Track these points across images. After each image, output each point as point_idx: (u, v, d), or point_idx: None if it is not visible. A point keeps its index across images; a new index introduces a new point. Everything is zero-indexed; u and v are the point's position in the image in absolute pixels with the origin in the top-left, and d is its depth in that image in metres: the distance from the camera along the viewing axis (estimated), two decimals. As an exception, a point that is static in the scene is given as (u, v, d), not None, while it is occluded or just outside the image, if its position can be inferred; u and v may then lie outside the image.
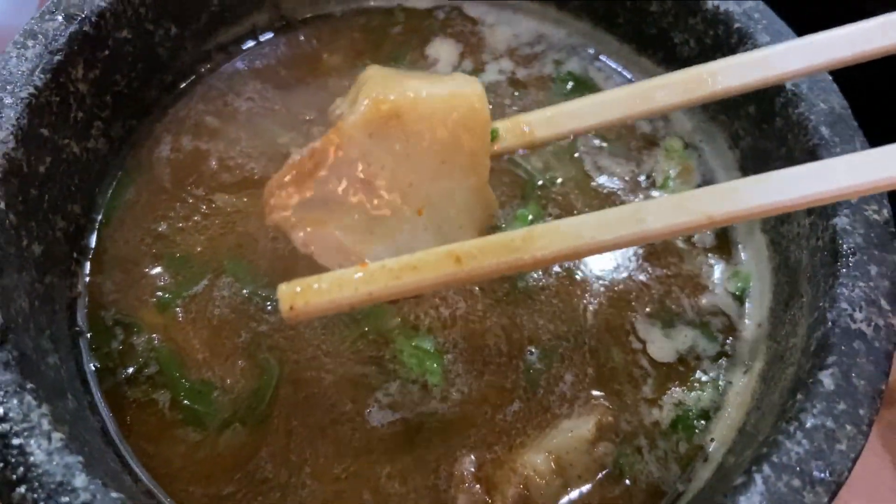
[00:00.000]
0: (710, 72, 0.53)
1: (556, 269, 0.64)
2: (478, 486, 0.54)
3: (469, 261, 0.46)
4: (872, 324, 0.50)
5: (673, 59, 0.73)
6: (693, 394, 0.60)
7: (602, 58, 0.78)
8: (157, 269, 0.64)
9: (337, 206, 0.50)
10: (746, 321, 0.63)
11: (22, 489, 0.43)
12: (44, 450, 0.44)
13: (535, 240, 0.47)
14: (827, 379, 0.48)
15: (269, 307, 0.61)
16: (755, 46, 0.64)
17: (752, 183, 0.46)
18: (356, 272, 0.47)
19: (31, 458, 0.44)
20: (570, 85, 0.77)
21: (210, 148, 0.71)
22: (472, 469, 0.54)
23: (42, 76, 0.59)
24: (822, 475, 0.45)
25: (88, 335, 0.60)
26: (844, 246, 0.54)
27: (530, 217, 0.66)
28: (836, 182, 0.45)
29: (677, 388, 0.60)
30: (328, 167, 0.49)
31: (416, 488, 0.54)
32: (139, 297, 0.62)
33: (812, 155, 0.58)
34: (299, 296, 0.46)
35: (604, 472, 0.56)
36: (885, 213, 0.55)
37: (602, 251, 0.48)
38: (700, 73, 0.53)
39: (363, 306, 0.48)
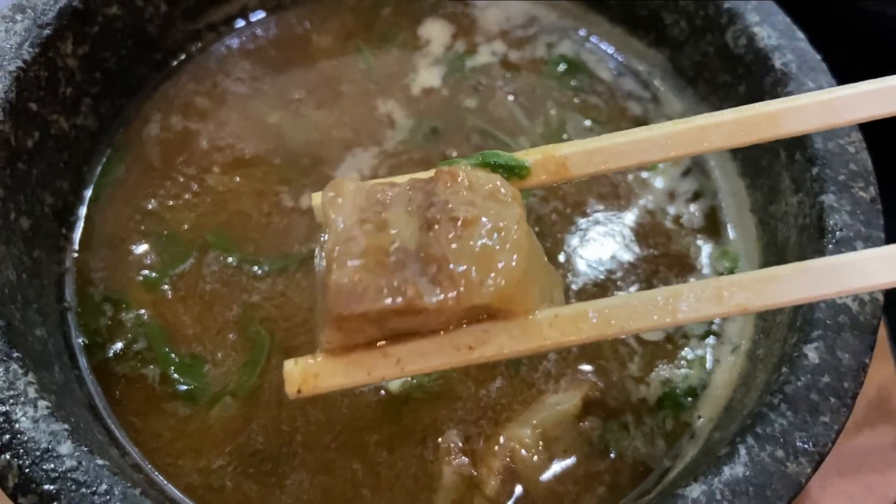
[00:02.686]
0: (768, 114, 0.47)
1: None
2: (464, 458, 0.54)
3: (481, 347, 0.42)
4: (857, 299, 0.51)
5: (664, 40, 0.73)
6: (680, 371, 0.60)
7: (593, 39, 0.78)
8: (146, 247, 0.64)
9: None
10: (734, 300, 0.64)
11: (7, 455, 0.43)
12: (29, 417, 0.44)
13: (561, 327, 0.43)
14: (812, 353, 0.49)
15: (259, 272, 0.62)
16: (745, 27, 0.64)
17: (792, 274, 0.43)
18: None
19: (17, 426, 0.44)
20: (561, 67, 0.77)
21: (200, 127, 0.71)
22: (459, 442, 0.55)
23: (31, 50, 0.59)
24: (806, 446, 0.45)
25: (77, 311, 0.60)
26: (831, 223, 0.54)
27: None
28: (875, 278, 0.44)
29: (664, 366, 0.60)
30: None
31: (404, 458, 0.55)
32: (127, 274, 0.62)
33: (800, 133, 0.58)
34: (308, 379, 0.43)
35: (590, 447, 0.56)
36: (872, 190, 0.55)
37: (629, 334, 0.46)
38: (758, 114, 0.47)
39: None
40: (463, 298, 0.40)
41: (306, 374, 0.43)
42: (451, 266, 0.40)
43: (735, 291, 0.43)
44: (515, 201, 0.43)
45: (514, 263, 0.40)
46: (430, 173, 0.45)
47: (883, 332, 0.75)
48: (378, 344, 0.42)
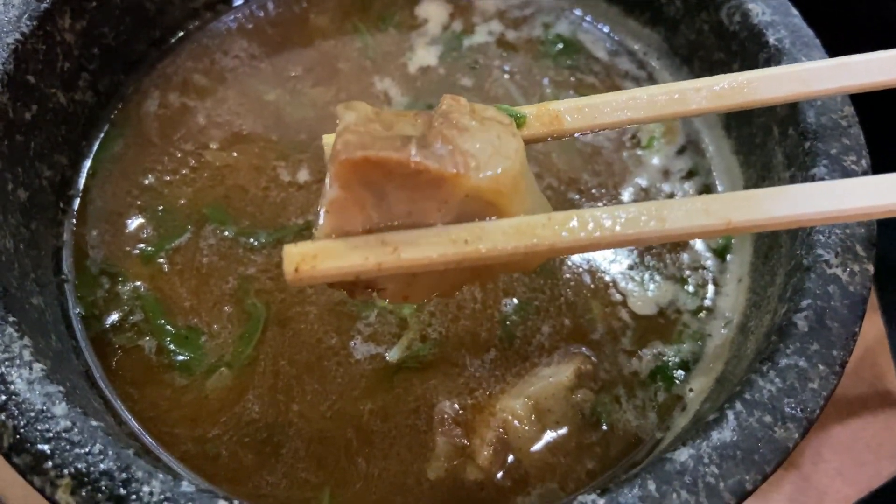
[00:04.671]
0: (748, 80, 0.50)
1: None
2: (457, 428, 0.54)
3: (476, 242, 0.43)
4: (848, 269, 0.51)
5: (659, 19, 0.73)
6: (673, 346, 0.61)
7: (589, 19, 0.78)
8: (143, 221, 0.64)
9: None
10: (727, 276, 0.64)
11: (2, 416, 0.43)
12: (24, 379, 0.45)
13: (554, 226, 0.43)
14: (801, 321, 0.49)
15: (255, 244, 0.62)
16: (740, 4, 0.65)
17: (774, 194, 0.45)
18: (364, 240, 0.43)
19: (12, 387, 0.44)
20: (558, 47, 0.77)
21: (198, 104, 0.71)
22: (452, 413, 0.55)
23: (29, 23, 0.59)
24: (794, 412, 0.46)
25: (74, 282, 0.61)
26: (822, 195, 0.54)
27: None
28: (854, 202, 0.44)
29: (657, 340, 0.61)
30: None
31: (398, 426, 0.55)
32: (124, 248, 0.63)
33: (793, 107, 0.59)
34: (306, 259, 0.42)
35: (581, 419, 0.56)
36: (864, 163, 0.56)
37: (620, 246, 0.47)
38: (738, 82, 0.50)
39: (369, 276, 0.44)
40: (462, 178, 0.41)
41: (304, 254, 0.42)
42: (453, 147, 0.42)
43: (720, 207, 0.44)
44: (513, 128, 0.45)
45: (510, 162, 0.42)
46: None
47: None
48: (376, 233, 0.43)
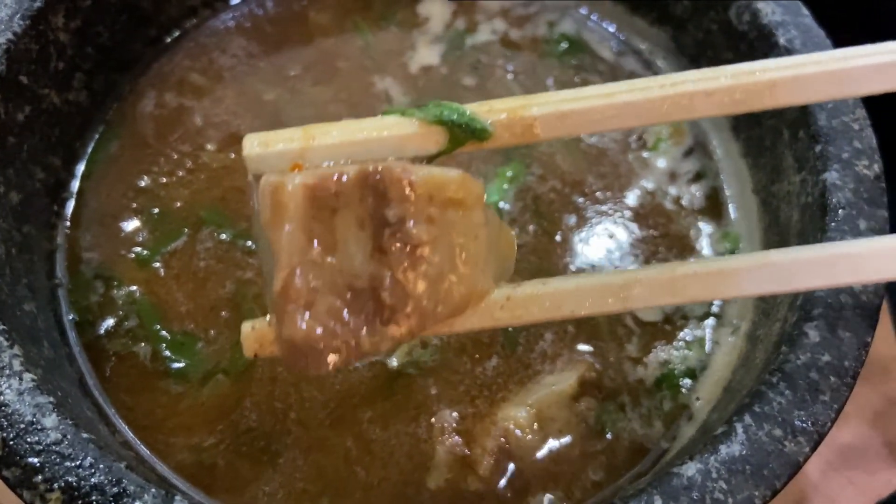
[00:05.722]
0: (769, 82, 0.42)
1: (532, 227, 0.64)
2: (458, 437, 0.53)
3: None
4: (860, 277, 0.49)
5: (666, 18, 0.72)
6: (679, 353, 0.59)
7: (595, 18, 0.77)
8: (138, 224, 0.63)
9: None
10: (735, 281, 0.63)
11: (-10, 428, 0.42)
12: (14, 389, 0.44)
13: (511, 309, 0.42)
14: (812, 331, 0.48)
15: (253, 247, 0.61)
16: (749, 3, 0.63)
17: (752, 268, 0.42)
18: None
19: (1, 398, 0.43)
20: (563, 46, 0.76)
21: (195, 104, 0.70)
22: (453, 421, 0.54)
23: (21, 22, 0.58)
24: (805, 425, 0.45)
25: (68, 287, 0.60)
26: (833, 200, 0.53)
27: (510, 174, 0.66)
28: (835, 278, 0.43)
29: (663, 348, 0.60)
30: None
31: (397, 434, 0.54)
32: (119, 252, 0.62)
33: (803, 110, 0.57)
34: (264, 346, 0.42)
35: (585, 427, 0.55)
36: (877, 168, 0.54)
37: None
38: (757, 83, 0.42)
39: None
40: (416, 327, 0.39)
41: (262, 339, 0.42)
42: (407, 303, 0.38)
43: (689, 283, 0.42)
44: (477, 205, 0.40)
45: (468, 284, 0.40)
46: (387, 162, 0.40)
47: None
48: None
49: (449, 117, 0.41)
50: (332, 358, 0.38)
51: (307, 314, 0.37)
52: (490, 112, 0.42)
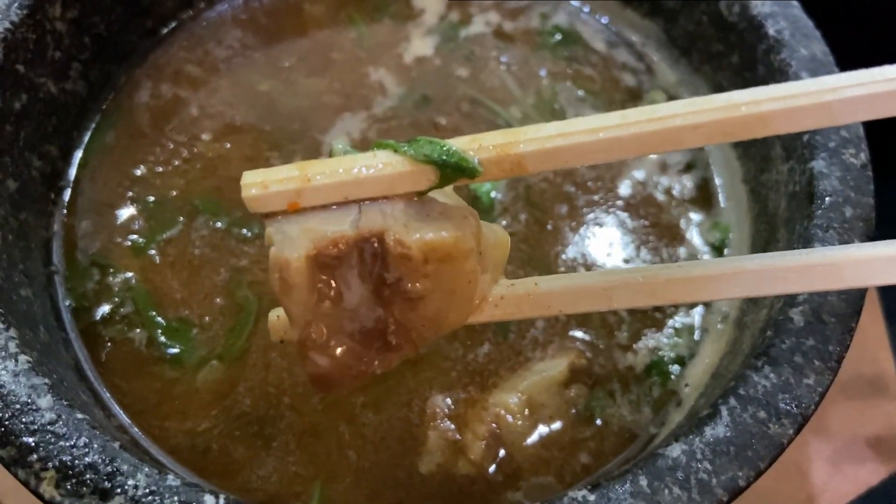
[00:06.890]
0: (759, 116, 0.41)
1: (524, 216, 0.64)
2: (449, 423, 0.54)
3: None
4: (845, 263, 0.50)
5: (658, 11, 0.73)
6: (668, 340, 0.60)
7: (587, 10, 0.78)
8: (134, 212, 0.64)
9: None
10: (724, 270, 0.63)
11: (-14, 408, 0.43)
12: (9, 371, 0.44)
13: (504, 307, 0.46)
14: (797, 316, 0.48)
15: (248, 235, 0.62)
16: (739, -5, 0.64)
17: (728, 275, 0.44)
18: None
19: (-3, 379, 0.44)
20: (556, 38, 0.76)
21: (190, 95, 0.70)
22: (445, 407, 0.55)
23: (19, 11, 0.58)
24: (789, 407, 0.45)
25: (64, 274, 0.60)
26: (820, 188, 0.53)
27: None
28: (812, 284, 0.44)
29: (653, 335, 0.60)
30: None
31: (389, 419, 0.55)
32: (115, 239, 0.62)
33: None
34: (289, 332, 0.45)
35: (575, 414, 0.56)
36: (863, 156, 0.55)
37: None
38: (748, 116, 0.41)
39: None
40: (420, 345, 0.44)
41: (287, 326, 0.44)
42: (410, 335, 0.43)
43: (669, 287, 0.44)
44: (469, 255, 0.42)
45: (466, 313, 0.45)
46: (385, 222, 0.41)
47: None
48: None
49: (439, 158, 0.41)
50: (349, 382, 0.44)
51: (324, 357, 0.42)
52: (479, 150, 0.42)
